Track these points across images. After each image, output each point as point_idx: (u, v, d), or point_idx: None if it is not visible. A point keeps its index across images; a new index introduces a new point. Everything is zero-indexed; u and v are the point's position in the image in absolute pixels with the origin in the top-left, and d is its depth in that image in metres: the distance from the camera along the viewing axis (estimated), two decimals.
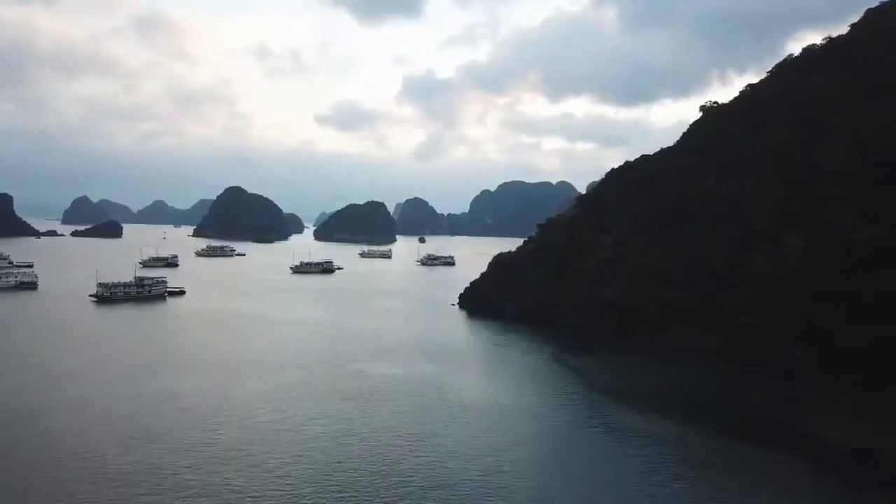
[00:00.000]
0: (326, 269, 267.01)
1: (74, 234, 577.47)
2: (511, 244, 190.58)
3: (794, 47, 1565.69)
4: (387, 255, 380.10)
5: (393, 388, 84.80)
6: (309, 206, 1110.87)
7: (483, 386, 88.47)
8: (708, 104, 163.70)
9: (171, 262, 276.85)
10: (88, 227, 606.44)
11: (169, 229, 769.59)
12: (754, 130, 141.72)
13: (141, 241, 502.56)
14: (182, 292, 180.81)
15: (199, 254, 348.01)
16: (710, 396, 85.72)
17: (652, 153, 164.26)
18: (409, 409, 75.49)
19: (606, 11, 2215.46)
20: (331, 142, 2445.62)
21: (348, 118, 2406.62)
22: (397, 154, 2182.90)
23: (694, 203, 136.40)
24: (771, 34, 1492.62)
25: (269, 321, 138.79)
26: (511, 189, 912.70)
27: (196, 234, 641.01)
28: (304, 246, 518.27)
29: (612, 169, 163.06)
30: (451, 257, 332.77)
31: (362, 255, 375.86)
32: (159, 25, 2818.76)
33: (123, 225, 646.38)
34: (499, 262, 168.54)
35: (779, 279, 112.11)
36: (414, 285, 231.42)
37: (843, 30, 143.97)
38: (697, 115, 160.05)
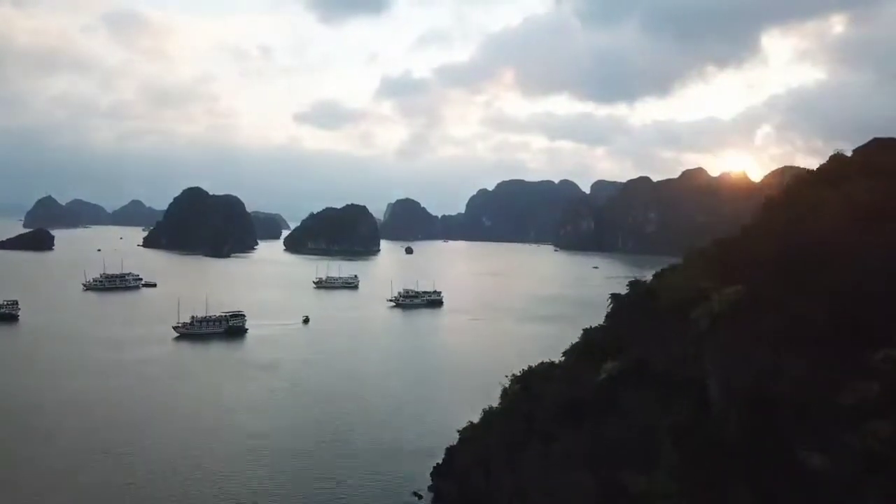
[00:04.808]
0: (234, 326, 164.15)
1: None
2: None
3: (768, 42, 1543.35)
4: (352, 285, 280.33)
5: None
6: (297, 205, 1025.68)
7: None
8: None
9: (4, 314, 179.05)
10: (9, 237, 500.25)
11: (137, 232, 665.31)
12: None
13: (74, 254, 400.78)
14: None
15: (88, 286, 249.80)
16: None
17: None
18: None
19: (570, 10, 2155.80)
20: (315, 140, 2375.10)
21: (328, 117, 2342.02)
22: (383, 152, 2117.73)
23: None
24: (742, 30, 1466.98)
25: None
26: (510, 188, 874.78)
27: (147, 244, 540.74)
28: (262, 262, 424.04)
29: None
30: (439, 294, 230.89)
31: (318, 284, 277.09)
32: (131, 23, 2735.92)
33: (55, 232, 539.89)
34: (527, 384, 70.83)
35: None
36: (362, 376, 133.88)
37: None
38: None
